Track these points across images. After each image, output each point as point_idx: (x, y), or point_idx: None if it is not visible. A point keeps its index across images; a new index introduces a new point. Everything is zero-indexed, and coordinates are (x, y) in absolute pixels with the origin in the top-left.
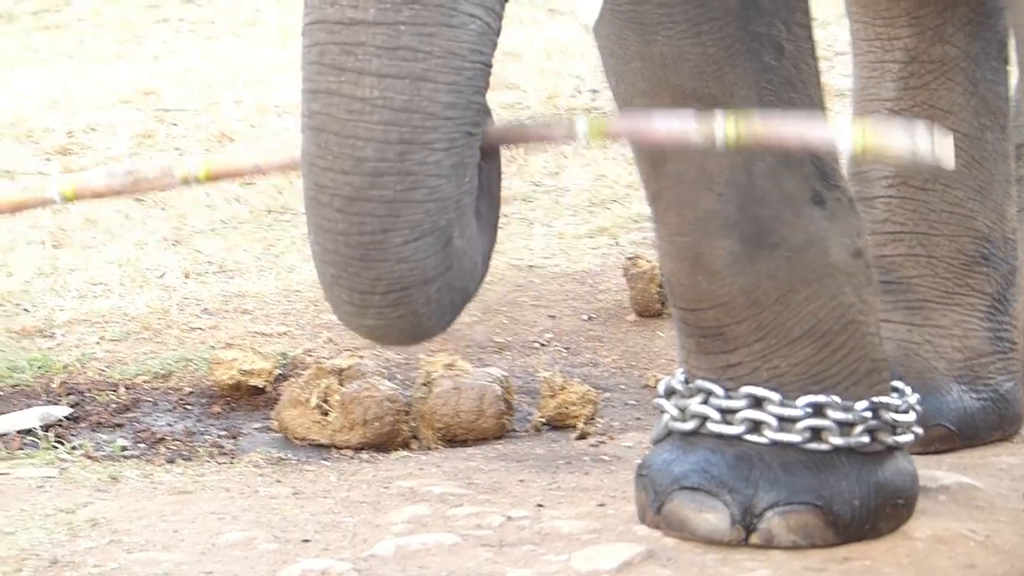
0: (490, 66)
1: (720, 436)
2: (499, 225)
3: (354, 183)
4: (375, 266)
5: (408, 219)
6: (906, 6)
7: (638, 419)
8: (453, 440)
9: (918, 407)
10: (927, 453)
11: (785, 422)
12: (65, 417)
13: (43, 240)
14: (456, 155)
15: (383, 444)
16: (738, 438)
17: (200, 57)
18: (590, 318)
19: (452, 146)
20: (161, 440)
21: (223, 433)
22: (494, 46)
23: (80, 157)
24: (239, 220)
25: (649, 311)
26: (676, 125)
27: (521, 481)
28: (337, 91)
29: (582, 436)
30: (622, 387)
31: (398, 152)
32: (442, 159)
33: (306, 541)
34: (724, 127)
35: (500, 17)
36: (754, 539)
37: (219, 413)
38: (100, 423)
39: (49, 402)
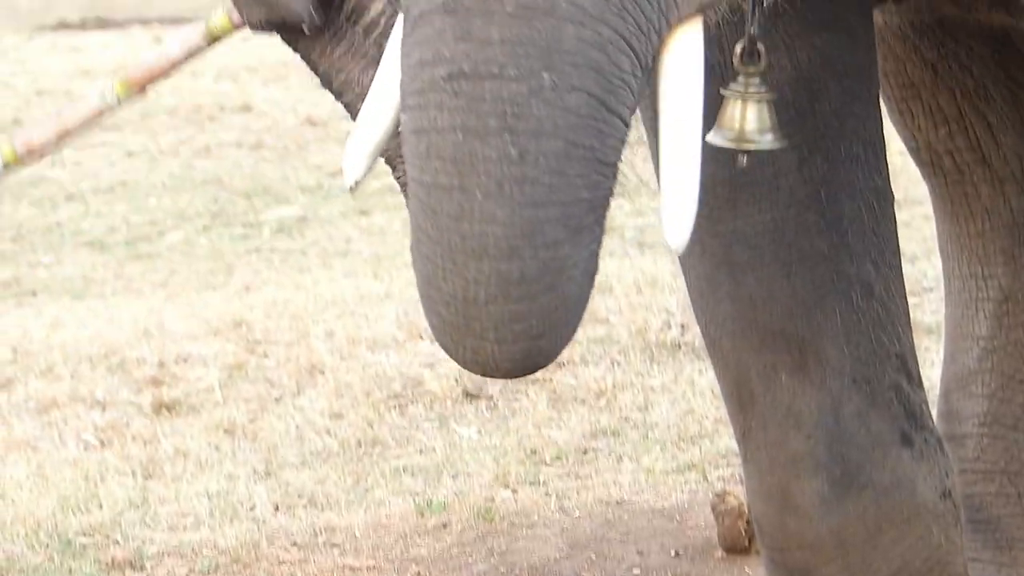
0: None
1: None
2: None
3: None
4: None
5: None
6: (1002, 245)
7: None
8: None
9: None
10: None
11: None
12: None
13: (133, 471)
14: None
15: None
16: None
17: (291, 288)
18: (678, 554)
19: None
20: None
21: None
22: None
23: (171, 388)
24: (329, 452)
25: (737, 548)
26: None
27: None
28: (461, 344)
29: None
30: None
31: (525, 351)
32: (550, 355)
33: None
34: (113, 89)
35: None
36: None
37: None
38: None
39: None
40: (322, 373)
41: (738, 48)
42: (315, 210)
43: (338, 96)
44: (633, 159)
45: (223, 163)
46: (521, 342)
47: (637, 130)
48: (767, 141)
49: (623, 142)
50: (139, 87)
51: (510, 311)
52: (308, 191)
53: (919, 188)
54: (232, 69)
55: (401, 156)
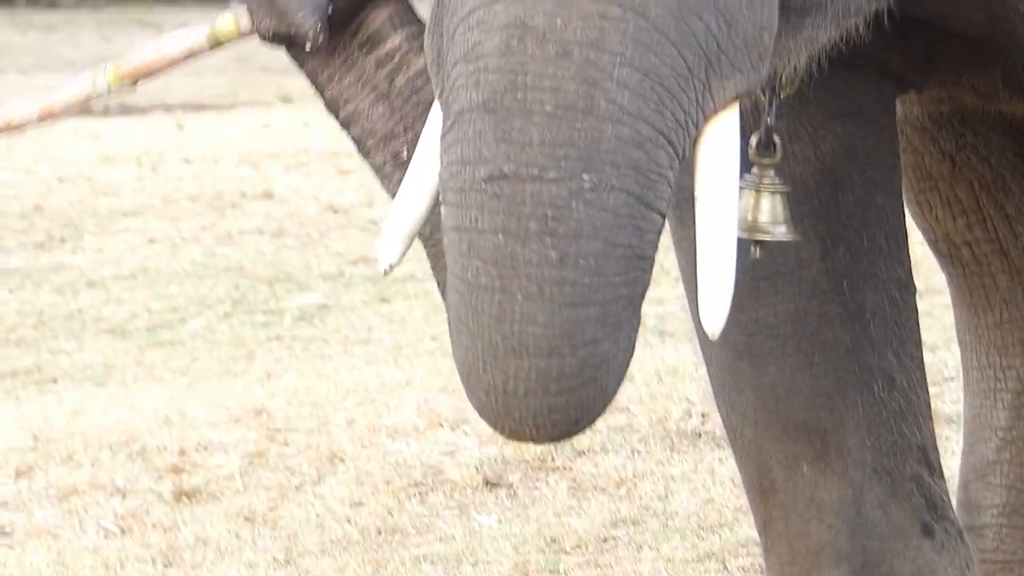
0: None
1: None
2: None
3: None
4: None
5: None
6: (1020, 336)
7: None
8: None
9: None
10: None
11: None
12: None
13: (153, 559)
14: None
15: None
16: None
17: (312, 376)
18: None
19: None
20: None
21: None
22: None
23: (191, 475)
24: (349, 540)
25: None
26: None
27: None
28: (499, 424)
29: None
30: None
31: (563, 433)
32: (585, 429)
33: None
34: (105, 75)
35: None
36: None
37: None
38: None
39: None
40: (342, 461)
41: (753, 140)
42: (337, 298)
43: (344, 126)
44: None
45: (245, 250)
46: (559, 427)
47: None
48: (780, 233)
49: (659, 234)
50: (133, 80)
51: (549, 403)
52: (330, 279)
53: (939, 277)
54: (254, 156)
55: (433, 238)
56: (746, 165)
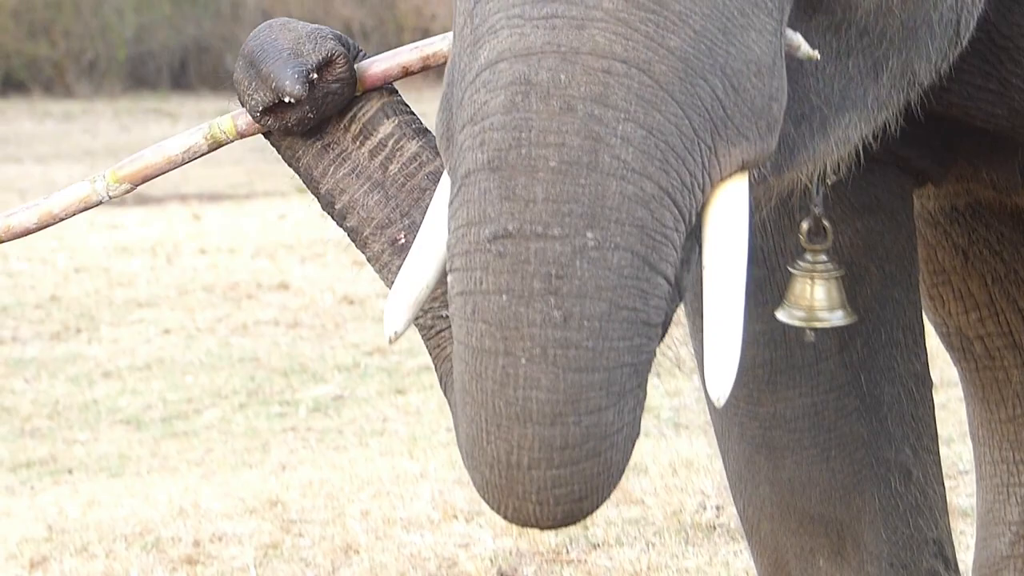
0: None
1: None
2: None
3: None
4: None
5: None
6: None
7: None
8: None
9: None
10: None
11: None
12: None
13: None
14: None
15: None
16: None
17: (327, 468)
18: None
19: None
20: None
21: None
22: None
23: (206, 567)
24: None
25: None
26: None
27: None
28: (503, 503)
29: None
30: None
31: (567, 512)
32: (591, 513)
33: None
34: (105, 179)
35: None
36: None
37: None
38: None
39: None
40: (357, 553)
41: (804, 226)
42: (352, 389)
43: (340, 219)
44: (668, 339)
45: (260, 341)
46: (563, 504)
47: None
48: (837, 318)
49: (665, 301)
50: (132, 182)
51: (552, 476)
52: (345, 370)
53: (955, 370)
54: (269, 247)
55: (433, 328)
56: (798, 251)
